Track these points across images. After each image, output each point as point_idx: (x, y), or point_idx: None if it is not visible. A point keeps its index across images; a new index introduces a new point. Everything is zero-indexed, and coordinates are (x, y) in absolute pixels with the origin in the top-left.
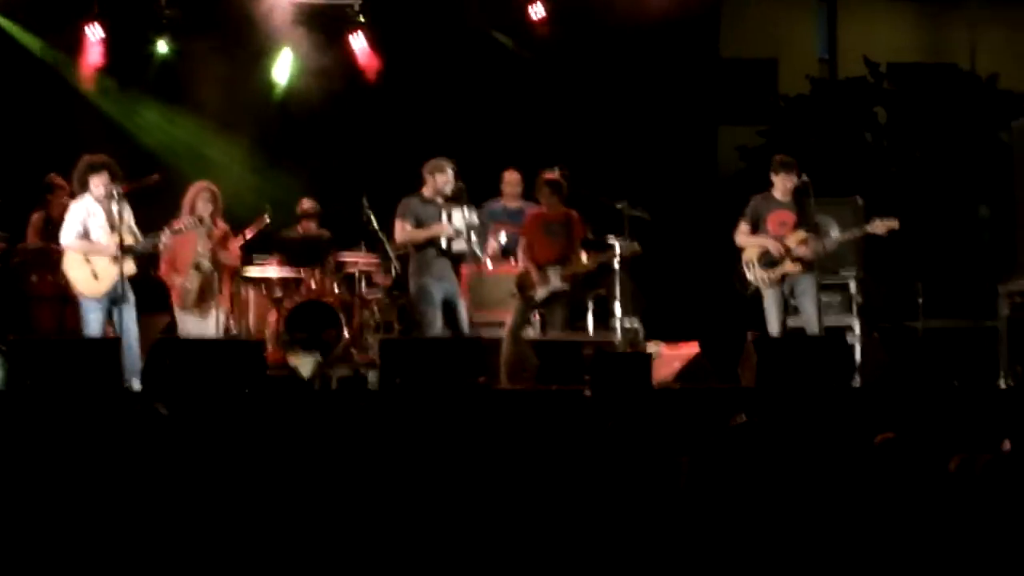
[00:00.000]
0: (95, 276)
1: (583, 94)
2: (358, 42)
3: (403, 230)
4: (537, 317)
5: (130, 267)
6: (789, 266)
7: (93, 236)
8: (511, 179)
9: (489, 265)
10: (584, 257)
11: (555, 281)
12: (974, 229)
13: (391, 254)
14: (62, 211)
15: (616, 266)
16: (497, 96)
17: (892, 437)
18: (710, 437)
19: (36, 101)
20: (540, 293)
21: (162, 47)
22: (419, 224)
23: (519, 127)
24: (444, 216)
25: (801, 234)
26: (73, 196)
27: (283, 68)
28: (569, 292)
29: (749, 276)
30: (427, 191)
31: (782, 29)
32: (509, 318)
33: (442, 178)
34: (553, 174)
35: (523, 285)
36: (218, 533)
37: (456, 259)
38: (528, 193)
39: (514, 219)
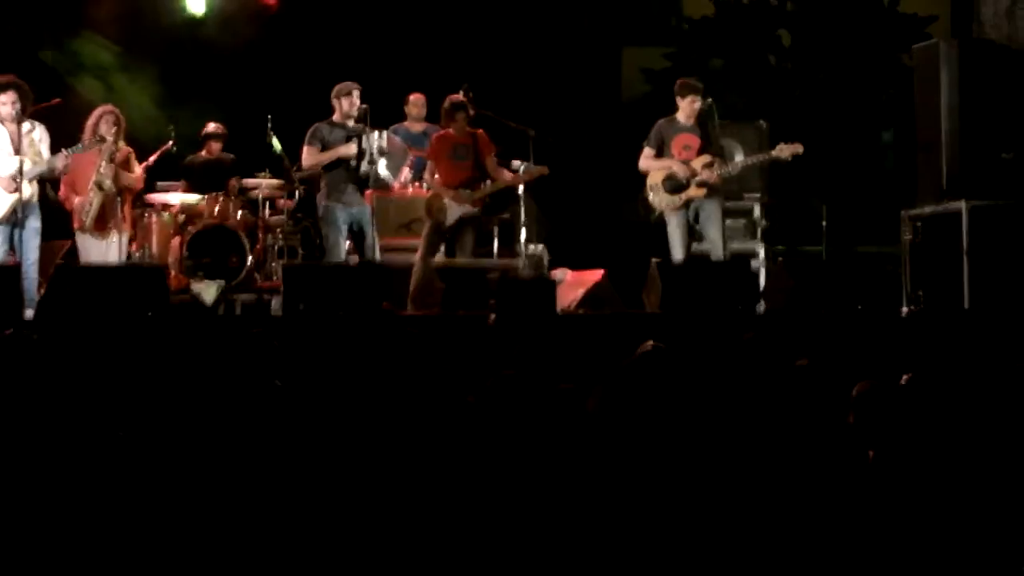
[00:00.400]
0: None
1: (486, 14)
2: None
3: (309, 154)
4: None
5: (28, 190)
6: (694, 191)
7: None
8: (415, 101)
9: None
10: (490, 182)
11: (464, 205)
12: (877, 153)
13: (294, 178)
14: None
15: (521, 191)
16: (400, 18)
17: (806, 364)
18: (618, 365)
19: None
20: (449, 217)
21: None
22: (325, 148)
23: (422, 49)
24: (354, 140)
25: (706, 158)
26: None
27: None
28: (478, 216)
29: (653, 201)
30: (336, 116)
31: None
32: (419, 243)
33: (348, 101)
34: (458, 96)
35: (432, 209)
36: (114, 463)
37: (364, 182)
38: (433, 116)
39: (418, 142)
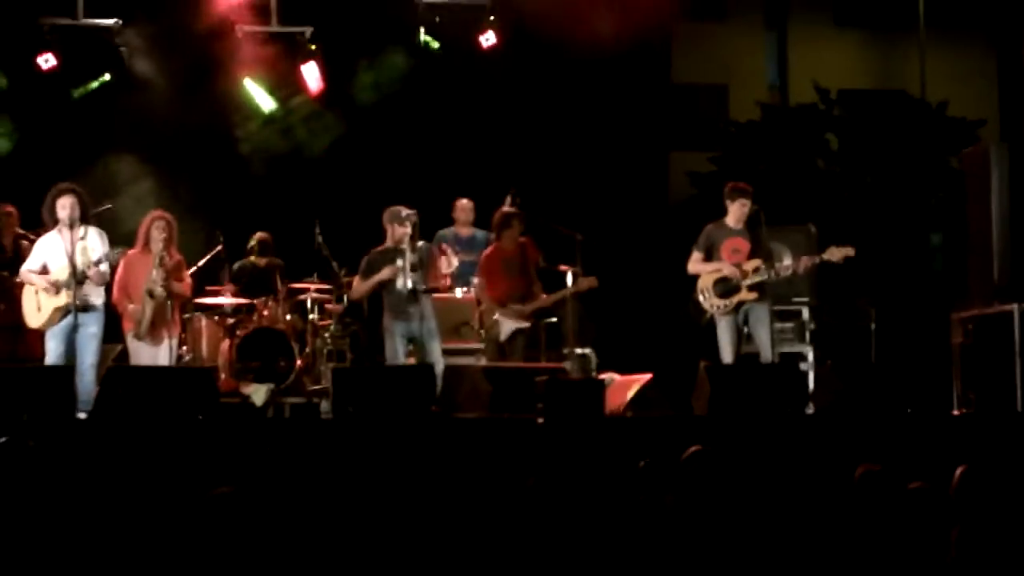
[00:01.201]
0: (38, 308)
1: (535, 120)
2: (310, 71)
3: (357, 284)
4: None
5: (60, 299)
6: (745, 294)
7: (51, 268)
8: (463, 206)
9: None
10: (543, 294)
11: (518, 319)
12: (926, 256)
13: (343, 282)
14: (13, 239)
15: (568, 295)
16: (450, 124)
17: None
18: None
19: None
20: (503, 333)
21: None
22: (371, 274)
23: (472, 155)
24: (399, 258)
25: (756, 262)
26: (30, 227)
27: (260, 96)
28: (530, 328)
29: (704, 304)
30: (388, 241)
31: (733, 56)
32: (466, 345)
33: (399, 229)
34: (510, 208)
35: (487, 325)
36: (173, 561)
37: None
38: (481, 221)
39: (465, 247)
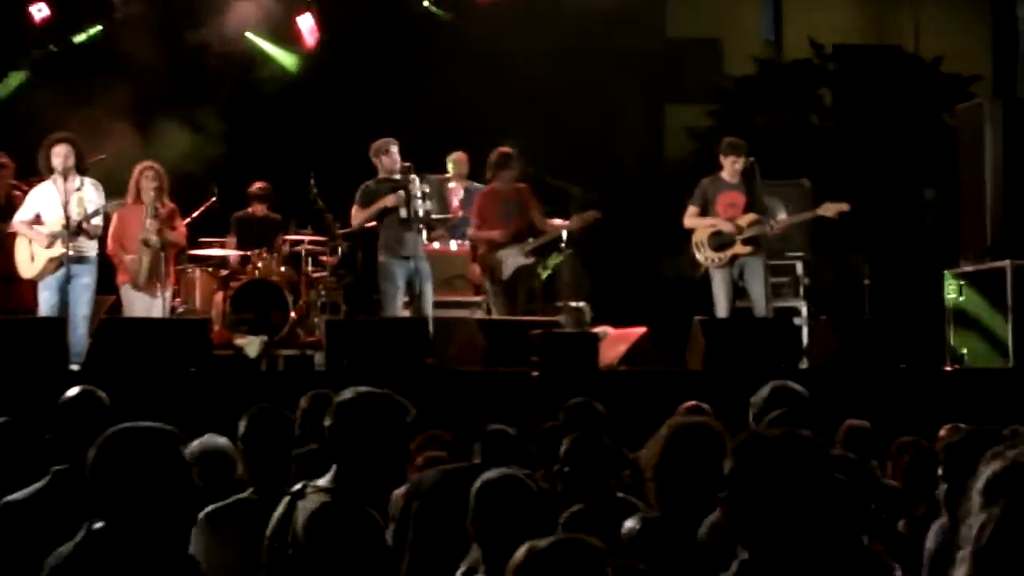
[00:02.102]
0: (31, 258)
1: (530, 75)
2: (305, 22)
3: (356, 213)
4: (483, 296)
5: (55, 249)
6: (740, 248)
7: (45, 218)
8: (458, 159)
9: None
10: (545, 227)
11: (518, 257)
12: (919, 211)
13: (337, 233)
14: (7, 190)
15: (564, 247)
16: (443, 77)
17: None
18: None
19: None
20: (505, 271)
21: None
22: (369, 204)
23: (465, 108)
24: (403, 190)
25: (751, 216)
26: (25, 176)
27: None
28: (532, 267)
29: (699, 258)
30: (380, 174)
31: (727, 10)
32: (459, 298)
33: (387, 159)
34: (508, 148)
35: (487, 266)
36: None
37: (420, 229)
38: (477, 173)
39: (462, 200)
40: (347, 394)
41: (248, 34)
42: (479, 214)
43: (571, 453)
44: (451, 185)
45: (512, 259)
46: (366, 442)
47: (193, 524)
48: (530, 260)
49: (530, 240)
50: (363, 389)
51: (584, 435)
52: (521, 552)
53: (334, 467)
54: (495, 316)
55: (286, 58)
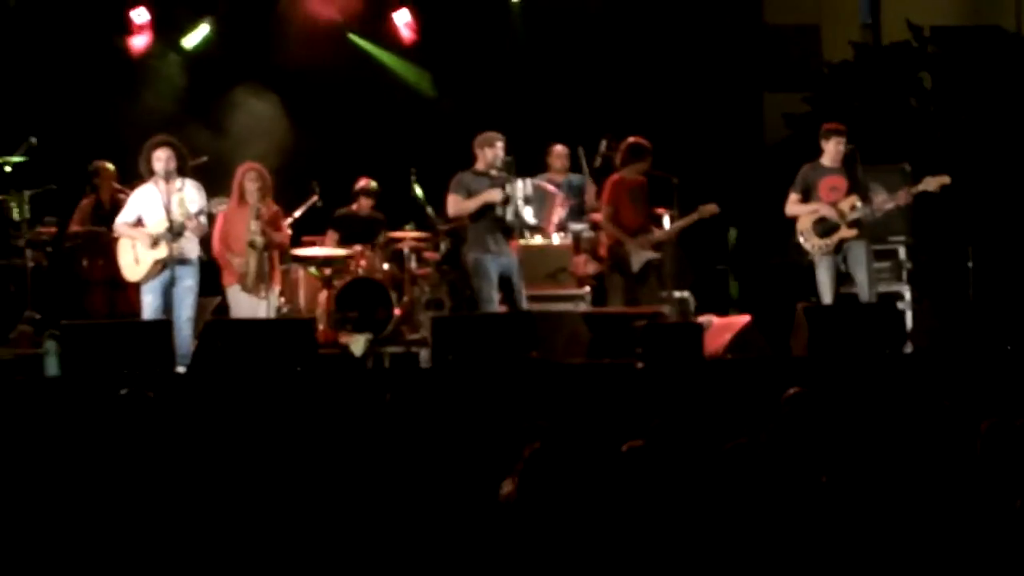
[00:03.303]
0: (136, 261)
1: (628, 65)
2: (402, 17)
3: (454, 203)
4: (587, 290)
5: (160, 251)
6: (845, 231)
7: (147, 221)
8: (558, 152)
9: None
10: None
11: (648, 250)
12: (1023, 193)
13: (439, 229)
14: (111, 195)
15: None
16: (542, 69)
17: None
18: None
19: (86, 87)
20: (635, 264)
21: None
22: (469, 196)
23: (565, 100)
24: (499, 188)
25: (853, 199)
26: (126, 181)
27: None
28: (659, 260)
29: (805, 246)
30: (479, 165)
31: None
32: (563, 291)
33: (491, 152)
34: (642, 140)
35: (619, 258)
36: (272, 513)
37: (510, 231)
38: (573, 168)
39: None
40: None
41: (350, 34)
42: (610, 201)
43: None
44: (550, 188)
45: (640, 253)
46: None
47: None
48: (657, 254)
49: (657, 230)
50: None
51: None
52: None
53: None
54: (606, 309)
55: (388, 57)
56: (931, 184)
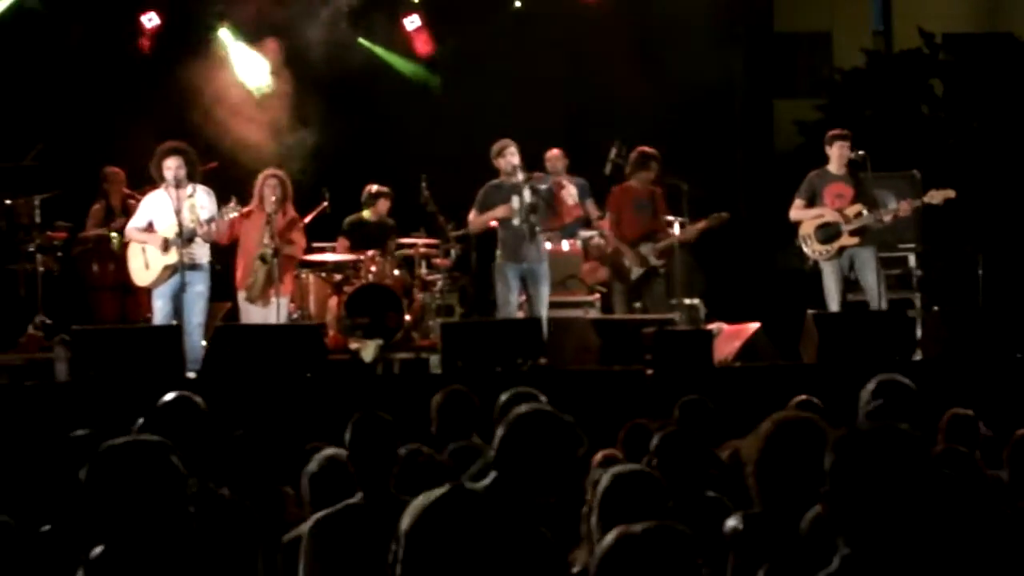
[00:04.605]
0: (146, 266)
1: (638, 71)
2: (412, 24)
3: (472, 218)
4: (597, 296)
5: (170, 257)
6: (847, 239)
7: (158, 226)
8: (553, 156)
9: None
10: (678, 231)
11: (650, 258)
12: None
13: (450, 236)
14: (121, 200)
15: (676, 245)
16: (549, 74)
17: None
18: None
19: (93, 93)
20: (635, 272)
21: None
22: (486, 208)
23: (572, 107)
24: (515, 196)
25: (857, 207)
26: (137, 186)
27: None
28: (663, 268)
29: (806, 251)
30: (501, 175)
31: (836, 2)
32: (572, 298)
33: (503, 161)
34: (650, 149)
35: (617, 267)
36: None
37: (533, 234)
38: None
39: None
40: (526, 408)
41: (360, 40)
42: (613, 208)
43: (661, 449)
44: (564, 184)
45: (638, 261)
46: (535, 463)
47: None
48: (659, 262)
49: (663, 237)
50: (546, 409)
51: (673, 432)
52: (611, 536)
53: (492, 475)
54: (616, 316)
55: (398, 61)
56: (936, 198)
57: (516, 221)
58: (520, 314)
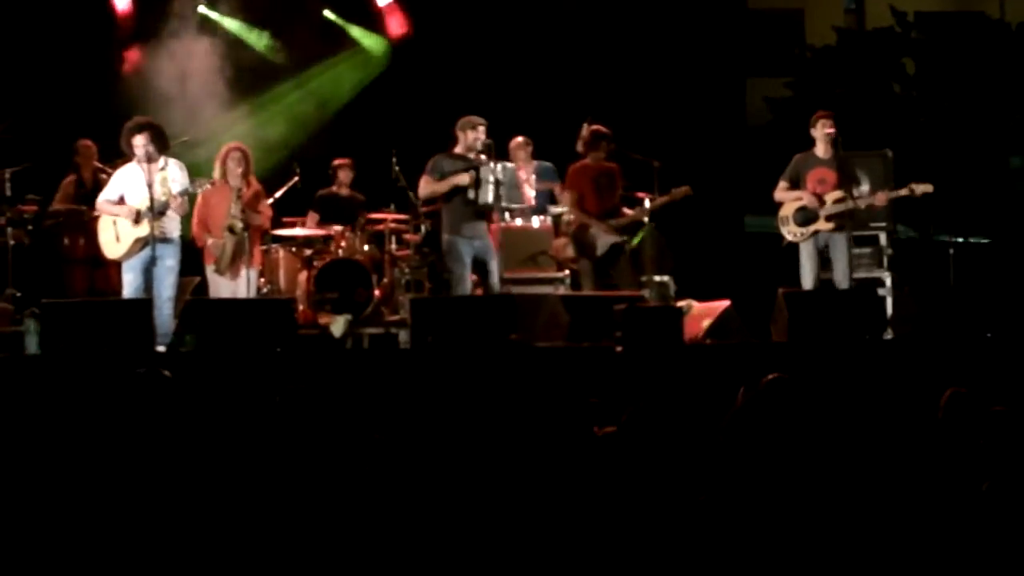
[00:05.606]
0: (117, 239)
1: (611, 49)
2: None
3: (425, 184)
4: (567, 273)
5: (141, 230)
6: (822, 224)
7: (129, 200)
8: (517, 144)
9: (518, 221)
10: (641, 207)
11: (611, 235)
12: (1005, 179)
13: (420, 211)
14: (93, 174)
15: (647, 222)
16: (524, 53)
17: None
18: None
19: (68, 68)
20: (600, 247)
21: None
22: (443, 178)
23: (547, 84)
24: (474, 171)
25: (837, 194)
26: (108, 160)
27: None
28: (624, 244)
29: (783, 231)
30: (458, 148)
31: None
32: (543, 274)
33: (472, 134)
34: (600, 128)
35: (583, 242)
36: (250, 495)
37: (484, 214)
38: (560, 151)
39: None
40: None
41: (326, 12)
42: (573, 186)
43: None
44: (522, 174)
45: (605, 236)
46: None
47: None
48: (623, 238)
49: (625, 214)
50: None
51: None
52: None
53: None
54: (586, 293)
55: (368, 39)
56: (916, 190)
57: (472, 194)
58: (477, 292)
